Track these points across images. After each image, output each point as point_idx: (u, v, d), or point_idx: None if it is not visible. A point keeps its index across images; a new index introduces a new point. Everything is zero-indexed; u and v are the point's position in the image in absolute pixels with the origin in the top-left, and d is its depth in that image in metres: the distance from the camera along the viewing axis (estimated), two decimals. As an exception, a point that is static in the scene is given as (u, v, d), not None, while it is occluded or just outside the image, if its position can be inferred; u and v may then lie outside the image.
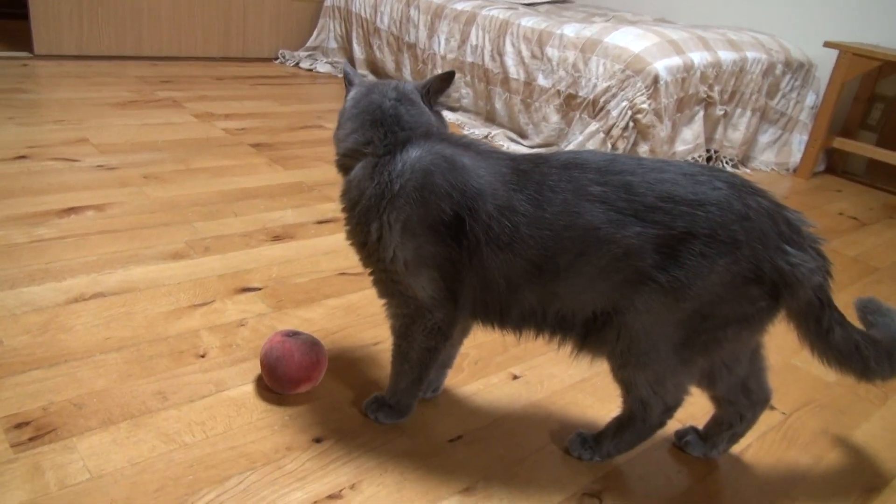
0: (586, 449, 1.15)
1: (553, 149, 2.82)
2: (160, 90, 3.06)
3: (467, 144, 1.06)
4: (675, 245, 0.94)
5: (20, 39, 3.36)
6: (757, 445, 1.26)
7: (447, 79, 1.11)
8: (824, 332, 1.02)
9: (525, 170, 1.01)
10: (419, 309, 1.06)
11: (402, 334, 1.11)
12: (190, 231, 1.77)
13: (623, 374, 1.06)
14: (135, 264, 1.57)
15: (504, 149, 2.85)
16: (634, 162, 0.99)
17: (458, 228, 0.99)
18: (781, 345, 1.59)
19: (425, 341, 1.08)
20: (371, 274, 1.10)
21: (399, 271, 1.04)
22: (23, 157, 2.08)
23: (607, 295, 0.99)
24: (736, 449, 1.23)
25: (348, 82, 1.14)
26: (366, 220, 1.04)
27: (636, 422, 1.11)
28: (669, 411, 1.10)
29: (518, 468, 1.12)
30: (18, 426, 1.06)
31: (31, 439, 1.03)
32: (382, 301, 1.12)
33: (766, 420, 1.32)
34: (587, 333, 1.03)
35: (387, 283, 1.07)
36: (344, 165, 1.11)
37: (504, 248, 0.98)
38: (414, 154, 1.02)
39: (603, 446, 1.14)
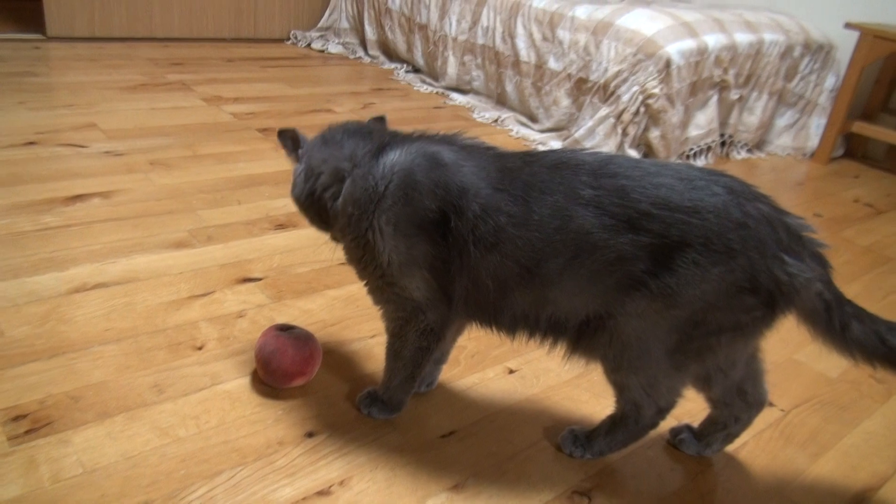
0: (578, 446, 1.15)
1: (563, 133, 2.79)
2: (170, 73, 3.06)
3: (450, 140, 1.05)
4: (669, 253, 0.92)
5: (33, 21, 3.37)
6: (753, 443, 1.25)
7: (381, 120, 1.17)
8: (839, 331, 0.99)
9: (512, 168, 1.00)
10: (414, 310, 1.06)
11: (395, 334, 1.11)
12: (194, 219, 1.78)
13: (616, 377, 1.05)
14: (138, 253, 1.59)
15: (513, 133, 2.86)
16: (630, 164, 0.97)
17: (446, 227, 0.99)
18: (785, 339, 1.58)
19: (418, 341, 1.09)
20: (366, 284, 1.11)
21: (394, 274, 1.04)
22: (32, 142, 2.10)
23: (600, 298, 0.98)
24: (731, 447, 1.22)
25: (294, 145, 1.12)
26: (360, 231, 1.04)
27: (628, 422, 1.10)
28: (662, 413, 1.09)
29: (509, 464, 1.13)
30: (16, 419, 1.08)
31: (27, 432, 1.05)
32: (378, 307, 1.12)
33: (763, 417, 1.30)
34: (580, 337, 1.02)
35: (382, 289, 1.08)
36: (333, 197, 1.07)
37: (491, 248, 0.97)
38: (395, 155, 1.01)
39: (595, 444, 1.14)
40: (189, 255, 1.61)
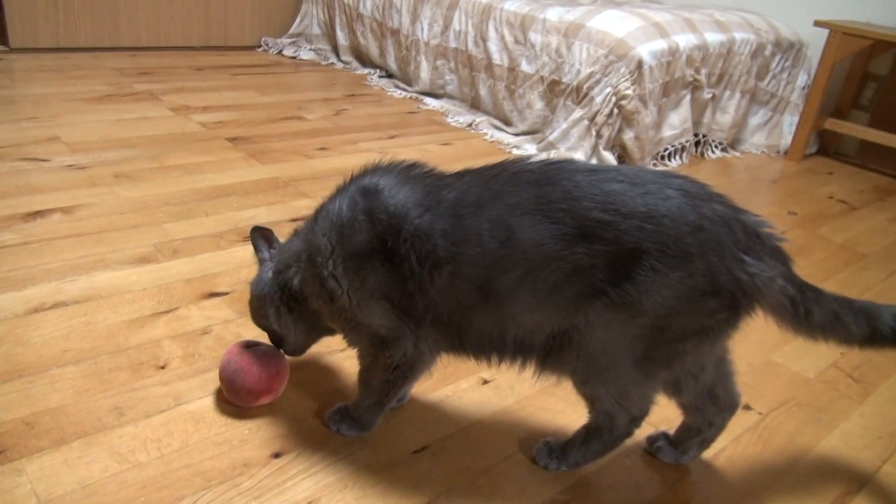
0: (553, 458, 1.12)
1: (538, 136, 2.78)
2: (137, 83, 3.00)
3: (388, 169, 1.04)
4: (626, 260, 0.90)
5: (-5, 33, 3.29)
6: (731, 448, 1.23)
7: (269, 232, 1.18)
8: (803, 319, 0.98)
9: (442, 185, 0.99)
10: (381, 346, 1.06)
11: (366, 367, 1.12)
12: (159, 233, 1.73)
13: (585, 390, 1.03)
14: (99, 270, 1.54)
15: (488, 137, 2.83)
16: (579, 169, 0.95)
17: (392, 253, 0.97)
18: (761, 340, 1.57)
19: (385, 374, 1.08)
20: (341, 331, 1.12)
21: (356, 313, 1.04)
22: (-9, 157, 2.04)
23: (561, 312, 0.95)
24: (709, 452, 1.20)
25: (268, 244, 1.17)
26: (322, 286, 1.04)
27: (603, 432, 1.08)
28: (636, 421, 1.07)
29: (483, 479, 1.10)
30: (-33, 448, 1.03)
31: (-22, 462, 1.01)
32: (353, 347, 1.13)
33: (741, 421, 1.29)
34: (547, 354, 1.00)
35: (353, 330, 1.08)
36: (294, 275, 1.10)
37: (437, 269, 0.96)
38: (330, 205, 1.04)
39: (569, 456, 1.11)
40: (153, 270, 1.57)
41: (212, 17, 3.75)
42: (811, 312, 0.97)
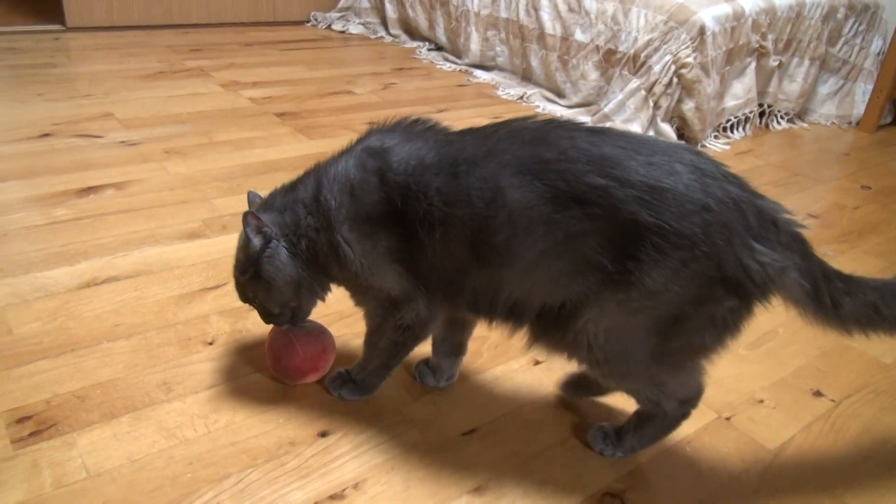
0: (608, 444, 1.07)
1: (592, 108, 2.68)
2: (188, 59, 3.01)
3: (393, 129, 1.00)
4: (625, 234, 0.83)
5: (53, 13, 3.35)
6: (801, 437, 1.16)
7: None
8: (831, 310, 0.91)
9: (445, 142, 0.95)
10: (390, 307, 1.03)
11: (373, 329, 1.09)
12: (208, 208, 1.73)
13: (610, 384, 1.00)
14: (150, 245, 1.54)
15: (539, 110, 2.75)
16: (581, 131, 0.89)
17: (399, 213, 0.94)
18: (833, 323, 1.47)
19: (394, 336, 1.06)
20: (348, 290, 1.08)
21: (368, 277, 1.01)
22: (47, 134, 2.07)
23: (555, 282, 0.90)
24: (777, 441, 1.13)
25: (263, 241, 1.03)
26: (336, 251, 1.00)
27: (655, 418, 1.03)
28: (687, 404, 1.02)
29: (534, 464, 1.05)
30: (20, 421, 1.04)
31: (31, 434, 1.01)
32: (360, 308, 1.09)
33: (812, 409, 1.22)
34: (544, 328, 0.95)
35: (363, 292, 1.06)
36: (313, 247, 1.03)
37: (435, 227, 0.92)
38: (335, 168, 0.99)
39: (625, 441, 1.06)
40: (202, 245, 1.56)
41: (261, -7, 3.74)
42: (840, 304, 0.90)
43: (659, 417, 1.02)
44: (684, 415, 1.04)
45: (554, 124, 0.91)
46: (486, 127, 0.96)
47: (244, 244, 1.05)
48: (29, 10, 3.50)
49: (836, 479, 1.08)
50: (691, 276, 0.84)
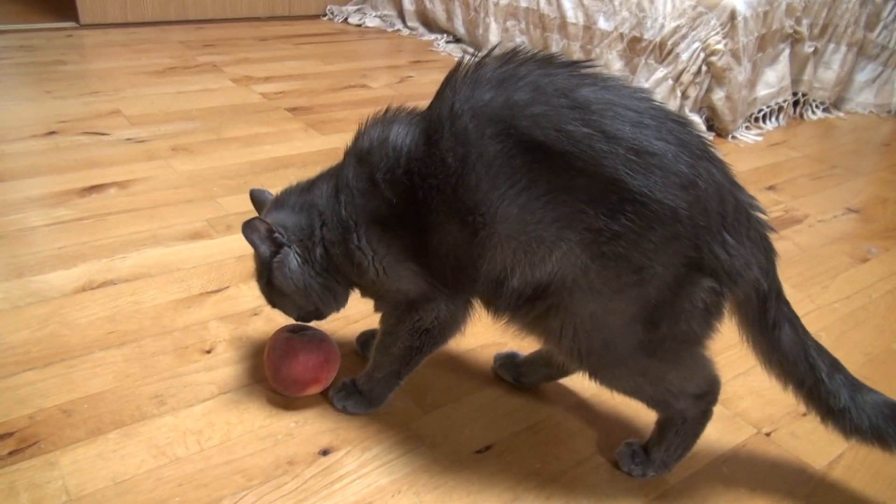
0: (637, 463, 0.97)
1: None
2: (201, 55, 2.96)
3: (374, 123, 0.94)
4: (605, 191, 0.75)
5: (66, 9, 3.32)
6: (851, 454, 1.05)
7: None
8: (769, 329, 0.87)
9: (421, 116, 0.89)
10: (408, 308, 0.96)
11: (387, 332, 1.01)
12: (213, 208, 1.65)
13: (606, 383, 0.92)
14: (151, 246, 1.47)
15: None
16: (564, 75, 0.80)
17: (401, 209, 0.88)
18: (881, 326, 1.37)
19: (410, 339, 0.98)
20: (371, 297, 1.02)
21: (385, 282, 0.94)
22: (53, 132, 2.02)
23: (541, 243, 0.81)
24: (825, 459, 1.02)
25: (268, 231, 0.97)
26: (351, 260, 0.94)
27: (674, 421, 0.95)
28: (702, 399, 0.93)
29: (555, 485, 0.96)
30: (1, 438, 0.97)
31: (11, 453, 0.94)
32: (376, 311, 1.03)
33: (862, 424, 1.10)
34: (527, 309, 0.87)
35: (381, 296, 1.00)
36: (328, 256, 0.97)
37: (431, 211, 0.85)
38: (344, 174, 0.94)
39: (653, 455, 0.96)
40: (205, 246, 1.49)
41: (276, -13, 3.68)
42: (779, 327, 0.87)
43: (677, 420, 0.94)
44: (704, 413, 0.95)
45: (537, 64, 0.82)
46: (448, 80, 0.87)
47: (255, 250, 0.99)
48: (43, 8, 3.47)
49: (891, 500, 0.97)
50: (674, 254, 0.77)
